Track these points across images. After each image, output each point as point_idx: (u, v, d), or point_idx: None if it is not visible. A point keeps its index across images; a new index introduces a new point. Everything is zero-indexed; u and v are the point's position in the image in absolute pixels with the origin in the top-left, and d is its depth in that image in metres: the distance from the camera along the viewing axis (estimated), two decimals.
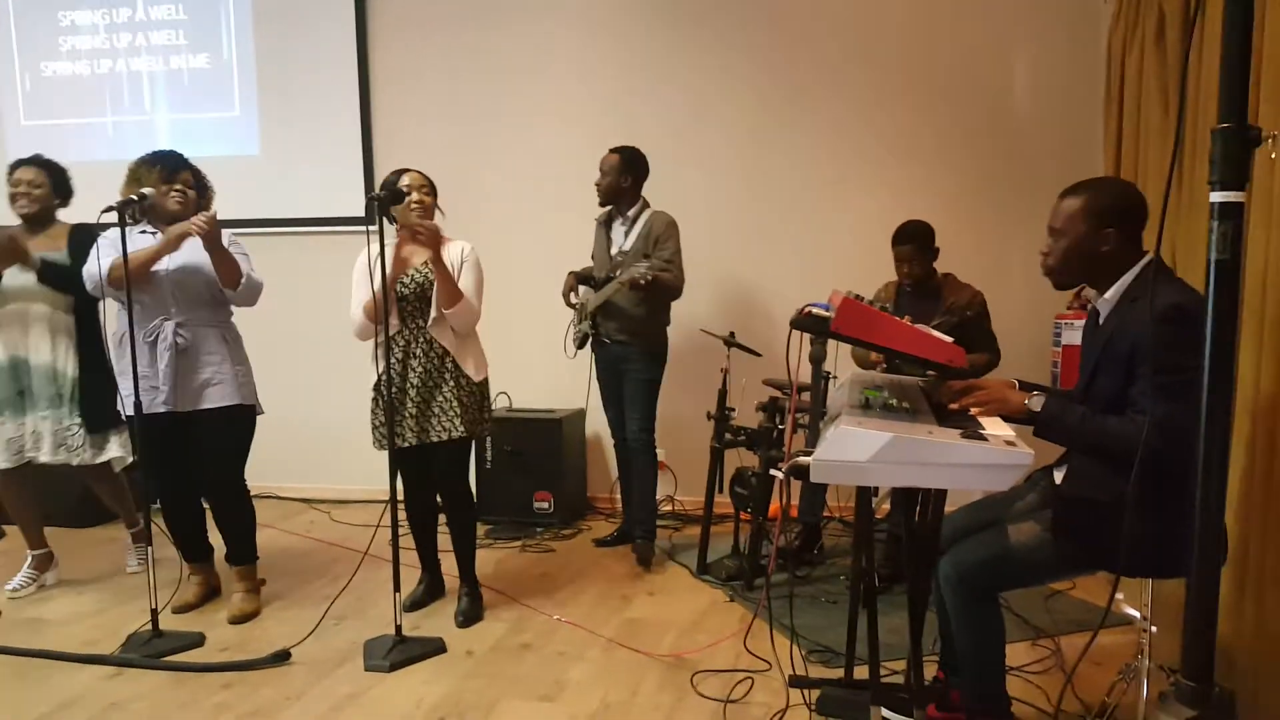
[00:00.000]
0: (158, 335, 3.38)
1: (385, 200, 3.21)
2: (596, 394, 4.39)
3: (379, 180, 5.05)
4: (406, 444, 3.37)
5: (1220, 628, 2.57)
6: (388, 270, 3.20)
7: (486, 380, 3.53)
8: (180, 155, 3.51)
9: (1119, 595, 3.36)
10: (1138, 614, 2.45)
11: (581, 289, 4.29)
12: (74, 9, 5.42)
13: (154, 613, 3.25)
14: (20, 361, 3.69)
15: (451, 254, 3.40)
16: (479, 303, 3.42)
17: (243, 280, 3.41)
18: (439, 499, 3.58)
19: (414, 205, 3.37)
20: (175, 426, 3.43)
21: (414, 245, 3.40)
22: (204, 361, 3.44)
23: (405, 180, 3.39)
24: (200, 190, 3.55)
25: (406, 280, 3.38)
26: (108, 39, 5.42)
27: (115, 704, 2.85)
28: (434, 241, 3.23)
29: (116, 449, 3.84)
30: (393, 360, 3.37)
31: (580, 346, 4.26)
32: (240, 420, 3.54)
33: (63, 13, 5.43)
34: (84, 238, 3.63)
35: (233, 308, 3.59)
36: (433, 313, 3.35)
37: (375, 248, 3.21)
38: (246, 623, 3.53)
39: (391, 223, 3.39)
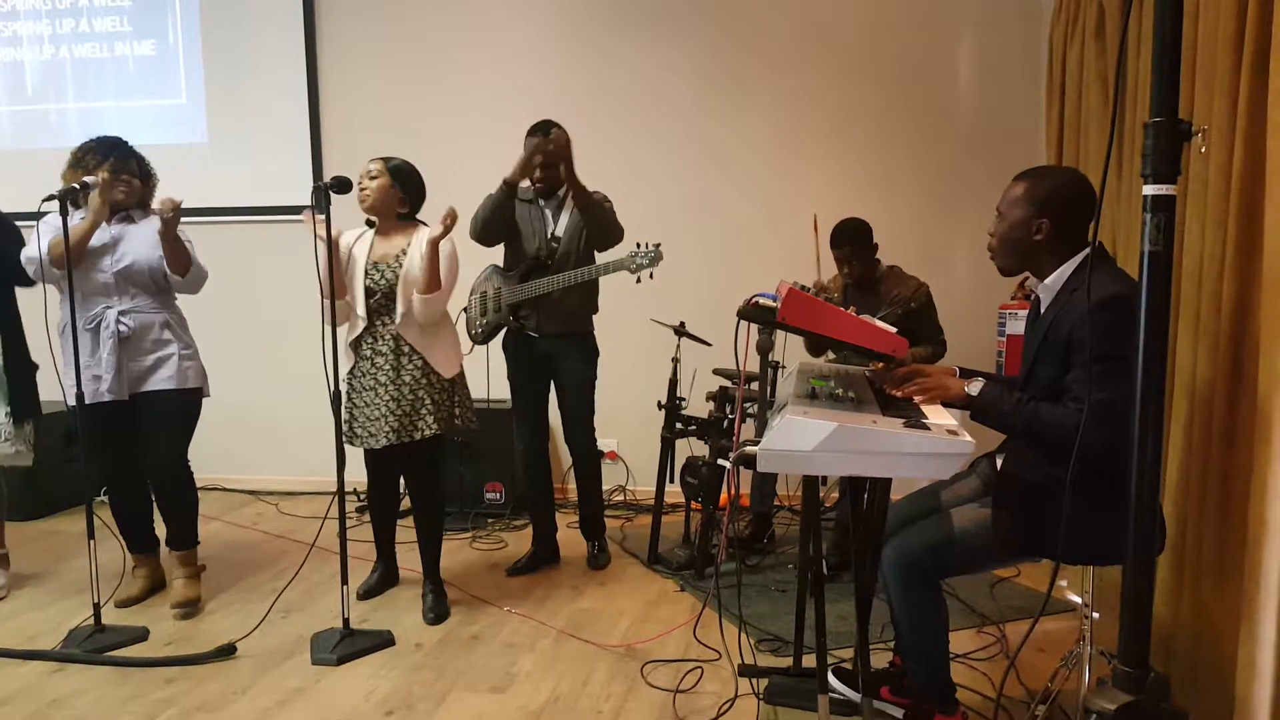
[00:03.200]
0: (99, 323, 3.35)
1: (332, 188, 3.13)
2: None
3: (327, 166, 5.06)
4: (381, 444, 3.31)
5: (1159, 613, 2.63)
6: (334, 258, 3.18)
7: (461, 375, 3.45)
8: (125, 143, 3.46)
9: (1062, 582, 3.43)
10: (1080, 600, 2.50)
11: (480, 275, 3.94)
12: None
13: (96, 607, 3.20)
14: None
15: (421, 241, 3.29)
16: (448, 293, 3.31)
17: (191, 268, 3.40)
18: (411, 497, 3.53)
19: (363, 192, 3.31)
20: (119, 414, 3.39)
21: (385, 237, 3.37)
22: (147, 347, 3.40)
23: (371, 167, 3.35)
24: (144, 177, 3.51)
25: (376, 276, 3.30)
26: (50, 24, 5.28)
27: (56, 700, 2.79)
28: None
29: (19, 444, 3.68)
30: (360, 359, 3.34)
31: (486, 341, 3.94)
32: (184, 403, 3.49)
33: None
34: None
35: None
36: (399, 308, 3.28)
37: (349, 235, 3.28)
38: (190, 608, 3.48)
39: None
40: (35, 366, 3.71)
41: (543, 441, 4.00)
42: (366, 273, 3.32)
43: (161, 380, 3.41)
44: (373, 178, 3.33)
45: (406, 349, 3.32)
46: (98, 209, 3.27)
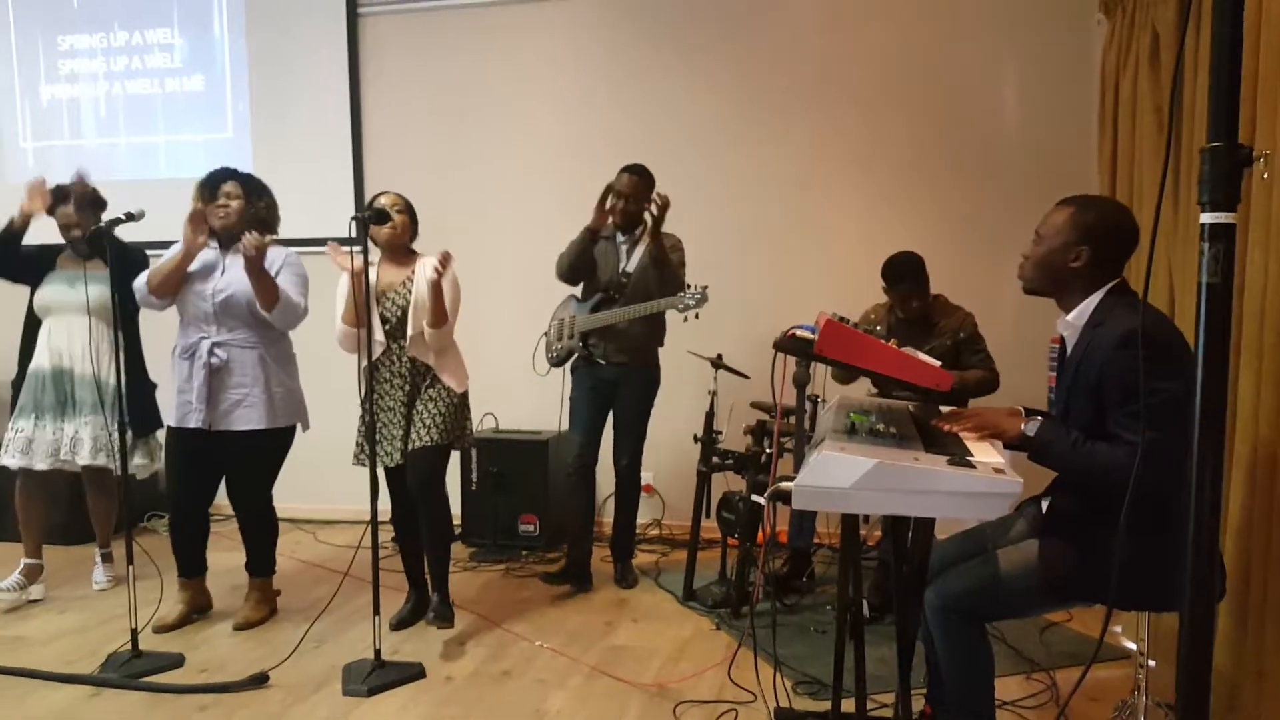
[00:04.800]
0: (195, 351, 3.43)
1: (371, 220, 3.28)
2: None
3: (370, 198, 5.12)
4: (394, 463, 3.41)
5: (1221, 662, 2.51)
6: (359, 288, 3.21)
7: (467, 393, 3.55)
8: (227, 170, 3.58)
9: (1116, 628, 3.31)
10: (1135, 647, 2.39)
11: (561, 303, 4.19)
12: (72, 33, 5.45)
13: (134, 633, 3.21)
14: (65, 371, 3.86)
15: (426, 269, 3.35)
16: (454, 319, 3.45)
17: (278, 304, 3.41)
18: (416, 508, 3.52)
19: (392, 228, 3.42)
20: (204, 442, 3.47)
21: (393, 265, 3.49)
22: (237, 382, 3.46)
23: (382, 200, 3.46)
24: (251, 196, 3.55)
25: (388, 304, 3.41)
26: (105, 62, 5.45)
27: None
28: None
29: (141, 457, 4.01)
30: (379, 381, 3.42)
31: (561, 364, 4.12)
32: (270, 443, 3.56)
33: (61, 36, 5.47)
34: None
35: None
36: (410, 330, 3.39)
37: (359, 264, 3.27)
38: (250, 629, 3.58)
39: (375, 242, 3.46)
40: (153, 385, 3.99)
41: (592, 462, 4.09)
42: (378, 300, 3.42)
43: (245, 420, 3.45)
44: (400, 213, 3.46)
45: (421, 368, 3.45)
46: (186, 239, 3.36)
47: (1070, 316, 2.23)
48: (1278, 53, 2.27)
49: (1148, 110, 3.34)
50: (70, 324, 3.85)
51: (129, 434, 3.82)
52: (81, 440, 3.83)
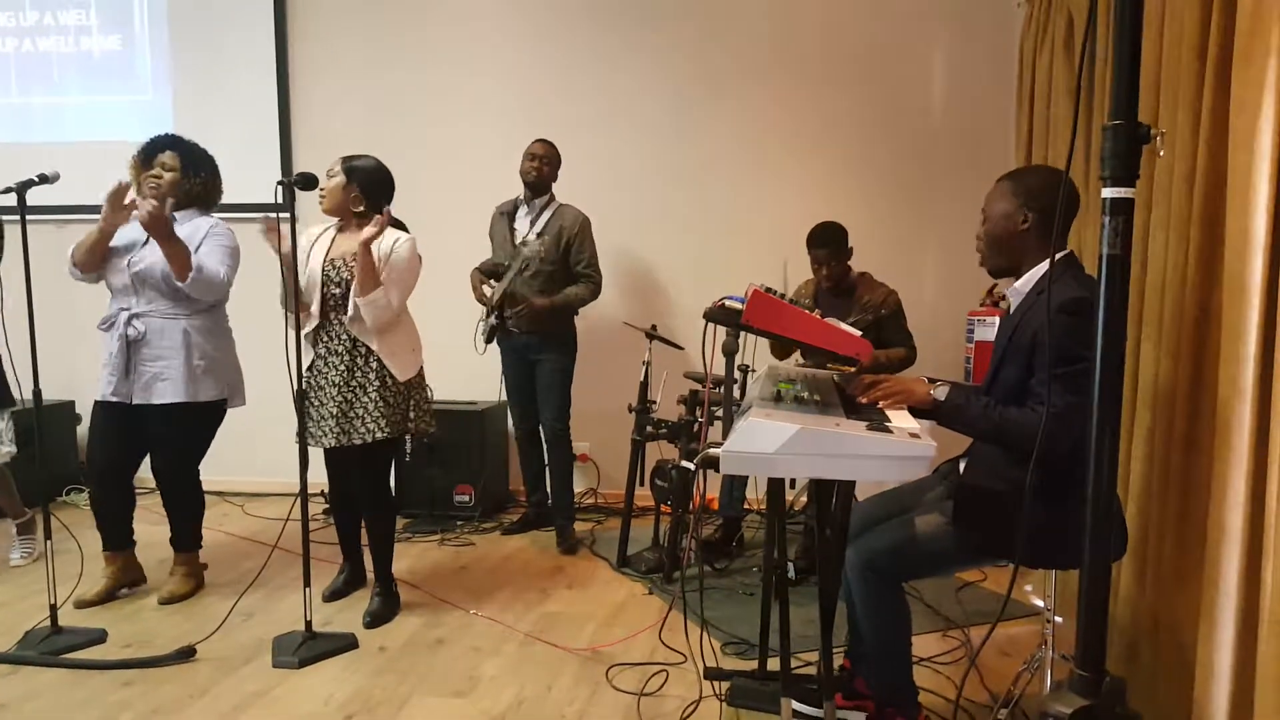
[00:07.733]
0: (114, 323, 3.36)
1: (296, 185, 3.07)
2: None
3: (297, 164, 5.02)
4: (326, 445, 3.29)
5: (1122, 617, 2.65)
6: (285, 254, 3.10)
7: (418, 378, 3.41)
8: (166, 137, 3.46)
9: (1027, 587, 3.47)
10: (1043, 604, 2.52)
11: (486, 286, 4.25)
12: None
13: (53, 608, 3.13)
14: None
15: (384, 245, 3.23)
16: (399, 298, 3.23)
17: (192, 275, 3.27)
18: (357, 498, 3.48)
19: (321, 193, 3.29)
20: (123, 414, 3.39)
21: (351, 234, 3.32)
22: (156, 354, 3.37)
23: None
24: (188, 169, 3.42)
25: (333, 274, 3.25)
26: (13, 16, 5.21)
27: (3, 705, 2.72)
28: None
29: None
30: (317, 356, 3.31)
31: (489, 340, 4.23)
32: (191, 417, 3.44)
33: None
34: None
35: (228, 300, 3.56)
36: (350, 310, 3.21)
37: (314, 231, 3.28)
38: (175, 602, 3.52)
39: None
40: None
41: (531, 423, 4.35)
42: (323, 269, 3.27)
43: (164, 394, 3.37)
44: (331, 177, 3.31)
45: (363, 349, 3.27)
46: (105, 217, 3.25)
47: (1017, 284, 2.29)
48: (1181, 39, 2.38)
49: (1062, 92, 3.46)
50: None
51: None
52: None
